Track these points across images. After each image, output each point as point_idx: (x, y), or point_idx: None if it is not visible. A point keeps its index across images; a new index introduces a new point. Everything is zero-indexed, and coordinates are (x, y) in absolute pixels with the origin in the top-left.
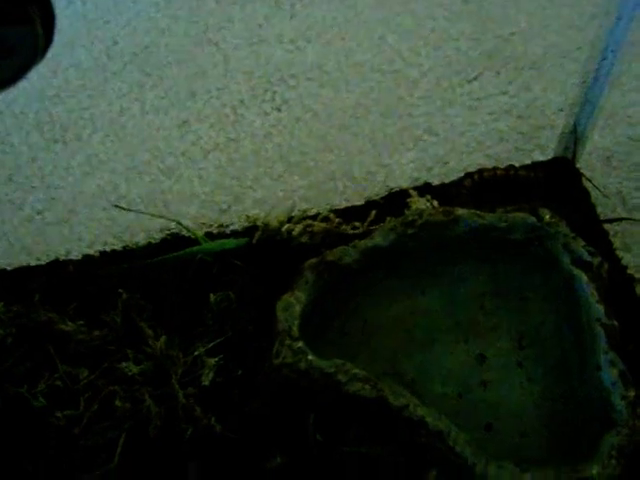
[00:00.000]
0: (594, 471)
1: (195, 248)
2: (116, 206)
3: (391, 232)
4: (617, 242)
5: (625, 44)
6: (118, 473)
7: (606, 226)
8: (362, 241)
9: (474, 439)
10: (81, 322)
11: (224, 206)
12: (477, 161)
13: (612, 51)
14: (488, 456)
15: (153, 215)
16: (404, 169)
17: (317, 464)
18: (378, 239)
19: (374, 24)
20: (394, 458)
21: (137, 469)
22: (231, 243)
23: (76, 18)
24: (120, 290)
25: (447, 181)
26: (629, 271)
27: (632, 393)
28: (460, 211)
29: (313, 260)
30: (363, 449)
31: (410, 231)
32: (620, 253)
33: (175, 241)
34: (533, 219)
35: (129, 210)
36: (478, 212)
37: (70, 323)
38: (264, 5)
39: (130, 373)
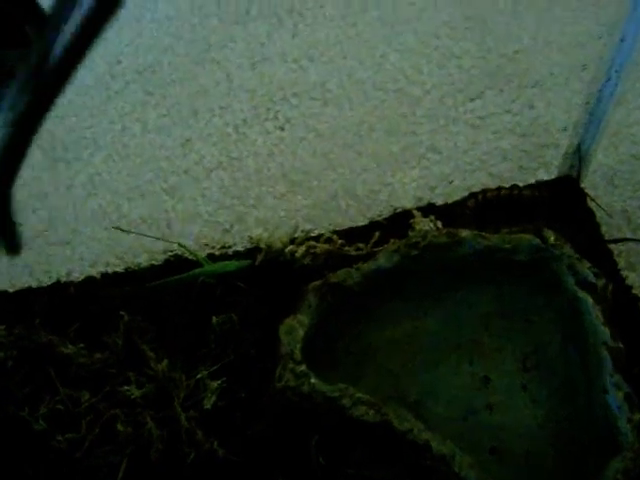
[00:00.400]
0: None
1: (197, 270)
2: (116, 228)
3: (394, 254)
4: (622, 261)
5: (629, 64)
6: None
7: (611, 245)
8: (365, 263)
9: (479, 462)
10: (82, 345)
11: (227, 226)
12: (481, 180)
13: (616, 71)
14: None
15: (155, 237)
16: (407, 188)
17: None
18: (381, 261)
19: (377, 42)
20: None
21: None
22: (233, 265)
23: None
24: (122, 312)
25: (451, 200)
26: (634, 291)
27: (638, 416)
28: (464, 233)
29: (316, 283)
30: (367, 472)
31: (414, 253)
32: (625, 272)
33: (177, 263)
34: (538, 241)
35: (129, 232)
36: (482, 233)
37: (71, 346)
38: (266, 24)
39: (132, 396)
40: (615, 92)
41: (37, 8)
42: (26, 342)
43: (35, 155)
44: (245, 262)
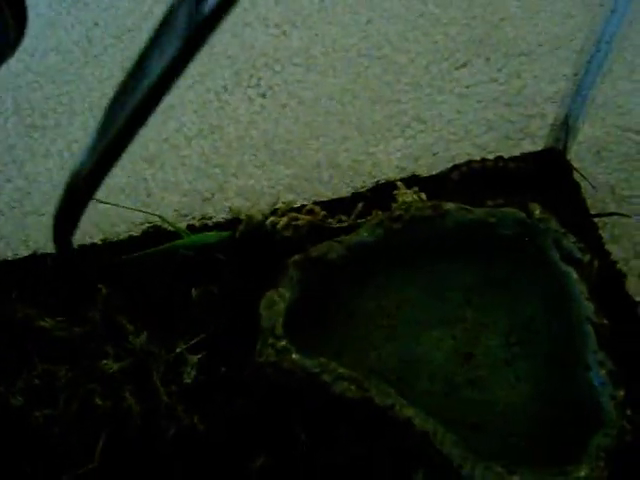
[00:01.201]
0: (582, 473)
1: (176, 242)
2: (96, 200)
3: (377, 227)
4: (606, 234)
5: (619, 37)
6: (98, 473)
7: (596, 218)
8: (348, 236)
9: (461, 439)
10: (60, 318)
11: (207, 195)
12: (465, 150)
13: (607, 42)
14: (475, 457)
15: (134, 209)
16: (391, 158)
17: (303, 465)
18: (364, 234)
19: (361, 8)
20: (381, 459)
21: (118, 469)
22: (213, 237)
23: None
24: (100, 285)
25: (435, 171)
26: (618, 265)
27: (621, 393)
28: (448, 205)
29: (298, 256)
30: (350, 449)
31: (397, 226)
32: (609, 246)
33: (157, 234)
34: (523, 215)
35: (107, 203)
36: (467, 207)
37: (49, 319)
38: None
39: (110, 370)
40: (604, 63)
41: None
42: (2, 316)
43: (11, 122)
44: (225, 234)
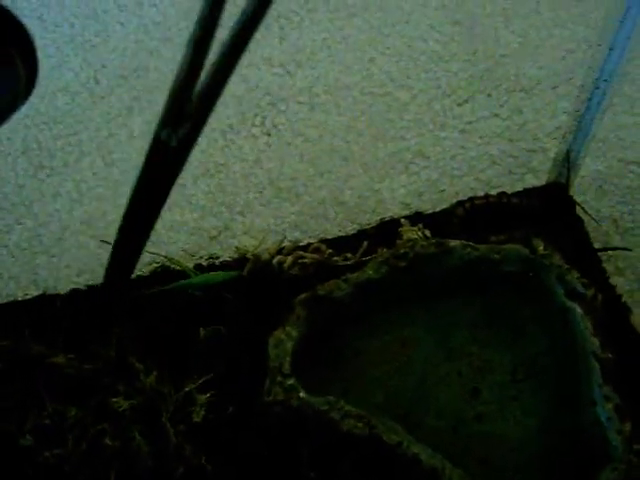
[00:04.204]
0: None
1: (184, 282)
2: (102, 241)
3: (383, 265)
4: (610, 267)
5: (618, 72)
6: None
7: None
8: (354, 274)
9: (469, 474)
10: (72, 355)
11: (214, 233)
12: (469, 185)
13: (605, 80)
14: None
15: None
16: (395, 194)
17: None
18: (370, 272)
19: (364, 47)
20: None
21: None
22: (220, 276)
23: (64, 42)
24: (109, 324)
25: (438, 207)
26: (623, 298)
27: (628, 427)
28: (452, 243)
29: (304, 295)
30: None
31: (402, 264)
32: (613, 278)
33: (165, 273)
34: (526, 251)
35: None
36: (471, 244)
37: (61, 355)
38: None
39: (120, 409)
40: (604, 100)
41: (22, 29)
42: (15, 354)
43: (20, 162)
44: (233, 273)
